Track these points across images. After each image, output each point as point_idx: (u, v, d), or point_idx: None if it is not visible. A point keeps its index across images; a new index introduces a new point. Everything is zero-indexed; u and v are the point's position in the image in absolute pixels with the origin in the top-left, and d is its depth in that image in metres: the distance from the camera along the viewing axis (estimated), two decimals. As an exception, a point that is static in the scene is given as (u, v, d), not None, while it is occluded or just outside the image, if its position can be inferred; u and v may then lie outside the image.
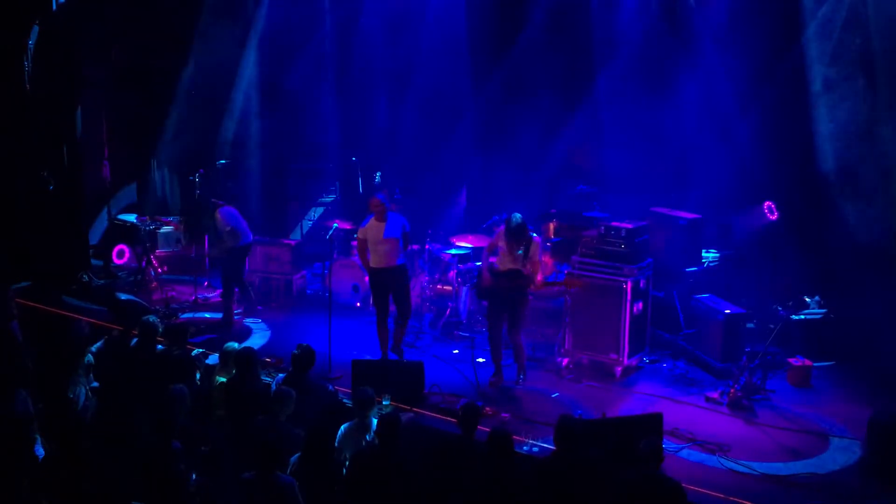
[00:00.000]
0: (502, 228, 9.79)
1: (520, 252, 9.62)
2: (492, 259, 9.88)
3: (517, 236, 9.56)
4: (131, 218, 14.10)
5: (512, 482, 6.63)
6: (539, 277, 9.75)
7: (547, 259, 11.35)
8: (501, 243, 9.74)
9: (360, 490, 6.82)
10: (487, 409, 9.23)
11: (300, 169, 14.67)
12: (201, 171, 12.95)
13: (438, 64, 14.02)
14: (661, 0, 12.57)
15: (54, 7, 12.50)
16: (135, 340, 8.86)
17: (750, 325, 10.62)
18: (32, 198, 12.44)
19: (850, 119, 11.08)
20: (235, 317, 11.87)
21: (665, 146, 12.39)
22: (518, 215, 9.62)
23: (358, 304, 12.40)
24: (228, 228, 11.53)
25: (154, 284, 13.00)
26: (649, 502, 6.42)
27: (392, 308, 10.37)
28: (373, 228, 10.13)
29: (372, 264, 10.20)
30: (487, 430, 7.10)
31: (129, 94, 14.46)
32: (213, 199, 11.86)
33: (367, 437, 7.42)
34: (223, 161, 13.89)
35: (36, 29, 12.38)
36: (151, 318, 8.93)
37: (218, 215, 11.58)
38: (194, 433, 7.54)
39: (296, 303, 12.79)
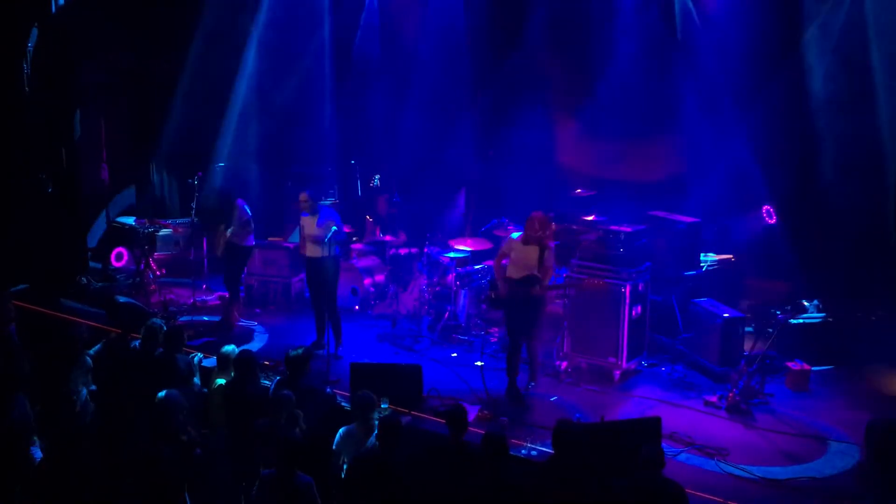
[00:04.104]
0: (513, 238, 9.80)
1: (533, 259, 9.56)
2: (504, 261, 9.82)
3: (540, 228, 9.52)
4: (130, 220, 14.10)
5: (508, 485, 6.62)
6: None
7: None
8: (514, 252, 9.69)
9: (359, 493, 6.81)
10: (486, 412, 9.23)
11: (299, 172, 14.67)
12: (200, 173, 12.95)
13: (438, 67, 14.04)
14: (660, 3, 12.60)
15: (53, 9, 12.50)
16: (134, 343, 8.85)
17: (748, 329, 10.62)
18: (31, 200, 12.42)
19: (850, 121, 11.10)
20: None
21: (664, 149, 12.40)
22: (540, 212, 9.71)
23: (356, 308, 12.39)
24: (245, 219, 11.55)
25: (152, 287, 13.00)
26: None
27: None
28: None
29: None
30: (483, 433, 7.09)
31: (128, 96, 14.46)
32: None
33: (369, 441, 7.39)
34: (222, 164, 13.89)
35: (35, 31, 12.38)
36: (157, 321, 8.92)
37: (237, 204, 11.59)
38: (191, 436, 7.53)
39: (294, 306, 12.78)
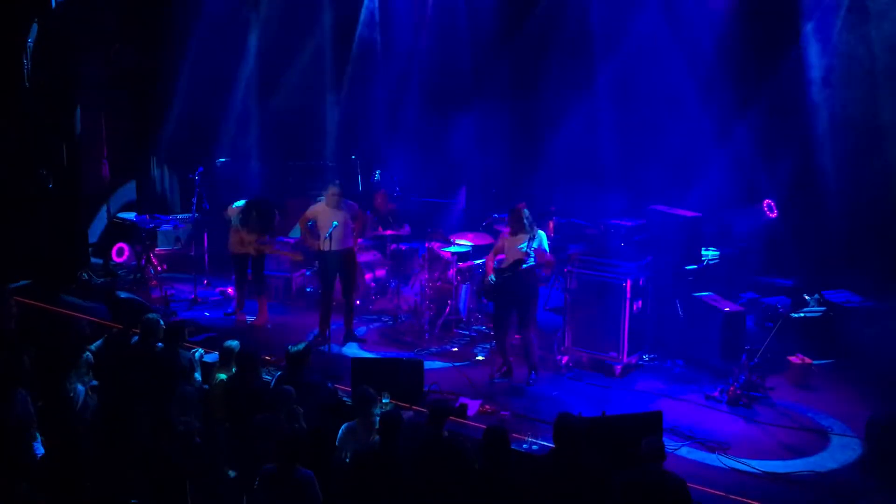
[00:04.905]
0: (506, 230, 9.89)
1: (521, 247, 9.68)
2: (499, 257, 9.99)
3: (517, 219, 9.72)
4: (131, 216, 14.10)
5: (508, 480, 6.62)
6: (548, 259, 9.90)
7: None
8: (505, 244, 9.88)
9: (360, 488, 6.82)
10: (487, 406, 9.23)
11: (299, 166, 14.65)
12: (200, 168, 12.94)
13: (439, 62, 14.04)
14: (661, -2, 12.61)
15: (53, 5, 12.49)
16: (135, 339, 8.85)
17: (749, 324, 10.61)
18: (32, 196, 12.43)
19: (852, 115, 11.08)
20: (232, 316, 11.87)
21: (665, 144, 12.39)
22: (521, 205, 9.88)
23: (357, 303, 12.38)
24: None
25: (153, 282, 13.00)
26: (653, 501, 6.41)
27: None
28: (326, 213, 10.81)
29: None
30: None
31: (129, 91, 14.46)
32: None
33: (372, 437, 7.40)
34: (223, 159, 13.88)
35: (35, 27, 12.37)
36: (153, 315, 8.92)
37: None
38: (188, 426, 7.53)
39: (295, 301, 12.78)
